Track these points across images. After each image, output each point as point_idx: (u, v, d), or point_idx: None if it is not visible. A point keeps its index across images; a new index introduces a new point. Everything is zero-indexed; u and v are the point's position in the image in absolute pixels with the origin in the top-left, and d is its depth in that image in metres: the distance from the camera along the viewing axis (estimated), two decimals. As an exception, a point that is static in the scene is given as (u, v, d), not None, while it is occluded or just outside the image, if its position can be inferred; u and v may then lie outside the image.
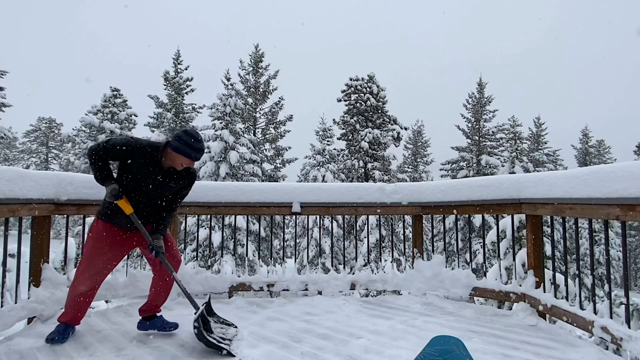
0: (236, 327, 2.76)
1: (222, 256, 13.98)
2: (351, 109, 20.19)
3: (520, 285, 3.35)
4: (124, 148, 2.47)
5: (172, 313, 3.28)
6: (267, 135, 23.80)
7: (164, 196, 2.67)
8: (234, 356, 2.38)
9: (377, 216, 4.68)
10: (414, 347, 2.45)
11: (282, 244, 4.50)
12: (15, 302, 2.81)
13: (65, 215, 3.40)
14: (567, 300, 2.92)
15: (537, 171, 15.64)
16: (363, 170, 18.83)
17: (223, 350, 2.39)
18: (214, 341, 2.40)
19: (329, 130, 20.58)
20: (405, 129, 20.37)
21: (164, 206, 2.70)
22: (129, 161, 2.50)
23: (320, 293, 3.91)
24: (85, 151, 2.79)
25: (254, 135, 23.01)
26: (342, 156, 20.76)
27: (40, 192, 2.93)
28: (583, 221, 5.73)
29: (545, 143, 34.07)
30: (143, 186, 2.55)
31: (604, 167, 2.42)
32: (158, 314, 2.82)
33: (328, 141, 20.03)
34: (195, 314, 2.49)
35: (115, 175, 2.60)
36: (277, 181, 21.16)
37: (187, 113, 23.72)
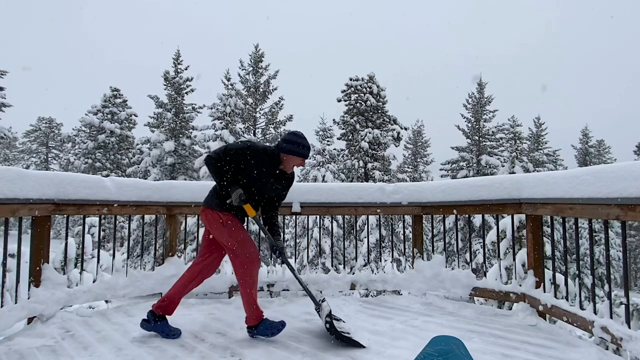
0: (344, 321, 2.77)
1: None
2: (351, 109, 20.20)
3: (520, 285, 3.35)
4: (244, 154, 2.61)
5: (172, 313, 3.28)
6: (267, 135, 23.79)
7: (271, 198, 2.84)
8: (364, 347, 2.48)
9: (377, 216, 4.68)
10: (414, 347, 2.45)
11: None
12: (15, 302, 2.81)
13: (65, 215, 3.40)
14: (567, 300, 2.92)
15: (537, 171, 15.65)
16: (363, 170, 18.84)
17: (353, 343, 2.49)
18: (347, 335, 2.51)
19: (329, 130, 20.59)
20: (405, 129, 20.38)
21: (270, 207, 2.89)
22: (247, 165, 2.62)
23: (320, 293, 3.90)
24: (203, 159, 2.88)
25: (254, 135, 23.01)
26: (342, 156, 20.76)
27: (40, 192, 2.93)
28: (583, 221, 5.73)
29: (545, 143, 34.08)
30: (257, 188, 2.69)
31: (604, 167, 2.42)
32: (167, 316, 2.78)
33: (328, 141, 20.04)
34: (317, 310, 2.74)
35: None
36: (277, 181, 21.09)
37: (187, 113, 23.72)
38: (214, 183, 4.00)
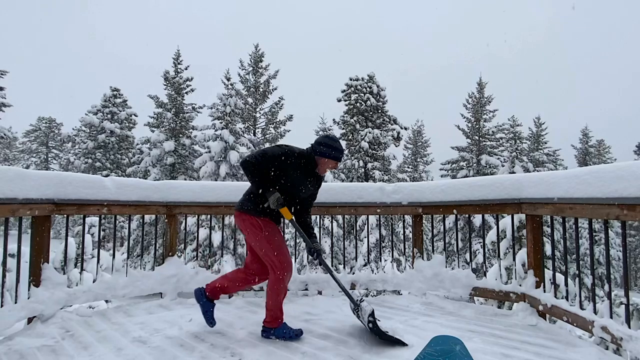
0: (379, 320, 2.78)
1: (222, 256, 13.99)
2: (351, 108, 20.19)
3: (520, 285, 3.35)
4: (282, 158, 2.64)
5: (172, 313, 3.29)
6: (267, 135, 23.80)
7: (304, 199, 2.88)
8: (406, 345, 2.49)
9: (377, 216, 4.68)
10: (414, 348, 2.45)
11: (282, 244, 4.49)
12: (15, 302, 2.81)
13: (65, 215, 3.40)
14: (567, 300, 2.92)
15: (537, 171, 15.64)
16: (363, 170, 18.82)
17: (396, 342, 2.50)
18: (390, 334, 2.53)
19: (329, 130, 20.58)
20: (405, 128, 20.36)
21: (303, 209, 2.92)
22: (284, 169, 2.65)
23: (320, 293, 3.91)
24: (240, 163, 2.96)
25: (254, 135, 23.01)
26: (342, 156, 20.70)
27: (40, 192, 2.93)
28: (583, 221, 5.72)
29: (545, 143, 34.07)
30: (293, 192, 2.73)
31: (604, 167, 2.42)
32: (215, 301, 2.87)
33: (328, 141, 19.99)
34: (355, 310, 2.80)
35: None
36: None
37: (187, 113, 23.72)
38: (215, 184, 4.01)
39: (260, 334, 2.70)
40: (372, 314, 2.58)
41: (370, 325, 2.55)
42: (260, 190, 2.66)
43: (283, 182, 2.67)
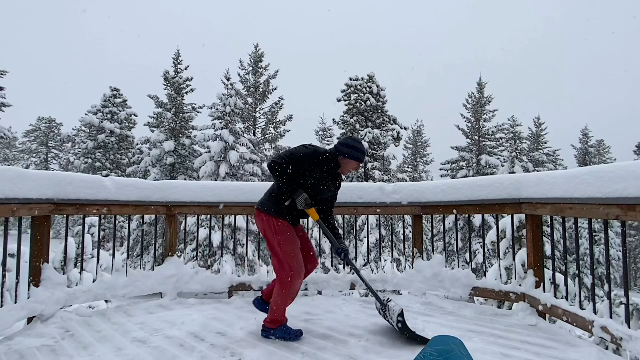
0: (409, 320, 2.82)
1: (222, 256, 13.98)
2: (351, 109, 20.20)
3: (520, 285, 3.35)
4: (308, 158, 2.66)
5: (172, 313, 3.29)
6: (267, 135, 23.80)
7: (326, 199, 2.91)
8: None
9: (377, 216, 4.68)
10: (414, 347, 2.45)
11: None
12: (15, 302, 2.81)
13: (65, 215, 3.40)
14: (567, 300, 2.92)
15: (537, 171, 15.64)
16: (363, 170, 18.82)
17: (426, 341, 2.50)
18: (418, 333, 2.56)
19: (329, 130, 20.59)
20: (405, 129, 20.37)
21: (325, 209, 2.94)
22: (311, 170, 2.66)
23: (320, 293, 3.91)
24: (267, 165, 2.97)
25: (254, 135, 23.02)
26: (342, 156, 20.68)
27: (40, 192, 2.92)
28: (583, 221, 5.72)
29: (545, 143, 34.08)
30: (318, 192, 2.75)
31: (604, 167, 2.42)
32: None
33: (328, 141, 20.04)
34: (382, 310, 2.81)
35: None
36: (277, 181, 21.08)
37: (187, 113, 23.71)
38: (214, 184, 4.02)
39: (260, 334, 2.70)
40: (401, 314, 2.58)
41: (400, 325, 2.56)
42: (288, 191, 2.66)
43: (308, 182, 2.68)
